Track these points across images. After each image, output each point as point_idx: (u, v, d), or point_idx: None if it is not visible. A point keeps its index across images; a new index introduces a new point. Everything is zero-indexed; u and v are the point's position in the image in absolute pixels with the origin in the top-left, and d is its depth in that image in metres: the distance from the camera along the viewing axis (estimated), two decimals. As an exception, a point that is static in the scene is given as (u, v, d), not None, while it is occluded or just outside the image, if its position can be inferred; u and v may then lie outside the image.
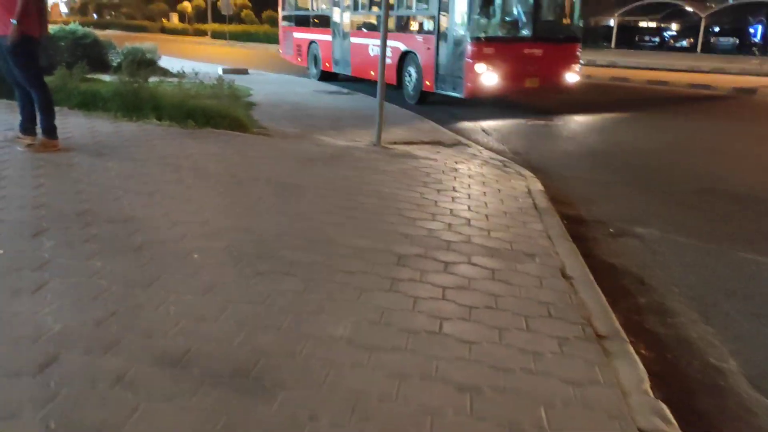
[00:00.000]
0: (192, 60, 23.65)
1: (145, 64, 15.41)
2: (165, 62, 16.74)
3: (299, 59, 18.33)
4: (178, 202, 4.39)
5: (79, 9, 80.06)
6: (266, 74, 18.45)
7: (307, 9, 17.76)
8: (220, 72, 17.62)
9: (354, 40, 15.14)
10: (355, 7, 15.22)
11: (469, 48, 10.93)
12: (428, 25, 12.12)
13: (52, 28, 14.26)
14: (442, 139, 8.26)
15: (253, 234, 3.88)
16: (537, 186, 5.84)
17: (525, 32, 11.54)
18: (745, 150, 8.60)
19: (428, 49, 11.96)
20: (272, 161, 5.93)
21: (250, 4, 57.82)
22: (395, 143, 7.60)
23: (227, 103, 8.09)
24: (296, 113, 10.05)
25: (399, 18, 13.09)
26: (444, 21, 11.63)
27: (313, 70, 17.49)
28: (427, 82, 12.07)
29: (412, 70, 12.66)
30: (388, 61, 11.54)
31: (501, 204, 5.08)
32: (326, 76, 16.77)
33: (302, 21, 18.17)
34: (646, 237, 4.79)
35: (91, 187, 4.64)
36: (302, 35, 17.98)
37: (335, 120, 9.51)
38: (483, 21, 11.14)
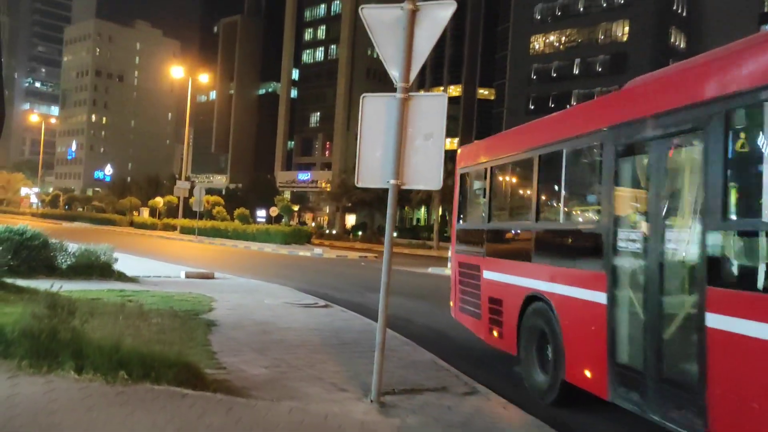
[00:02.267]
0: (156, 258, 22.37)
1: (99, 268, 13.99)
2: (124, 262, 15.33)
3: (495, 333, 8.18)
4: None
5: (50, 201, 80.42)
6: (233, 278, 17.05)
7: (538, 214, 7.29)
8: (183, 276, 16.18)
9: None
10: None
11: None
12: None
13: (-4, 227, 12.90)
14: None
15: None
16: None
17: None
18: None
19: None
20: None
21: (222, 202, 58.54)
22: (406, 391, 5.92)
23: (178, 340, 6.42)
24: (264, 338, 8.39)
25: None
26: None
27: (537, 375, 7.04)
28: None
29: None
30: None
31: None
32: (575, 397, 6.33)
33: (512, 245, 8.25)
34: None
35: None
36: (511, 279, 7.74)
37: (313, 350, 7.86)
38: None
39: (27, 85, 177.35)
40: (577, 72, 67.99)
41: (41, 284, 9.66)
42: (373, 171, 5.65)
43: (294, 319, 10.38)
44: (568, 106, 68.62)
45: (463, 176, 9.93)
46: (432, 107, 5.56)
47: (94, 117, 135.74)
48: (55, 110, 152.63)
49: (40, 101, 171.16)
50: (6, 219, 55.88)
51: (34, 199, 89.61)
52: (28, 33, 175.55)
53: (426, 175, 5.52)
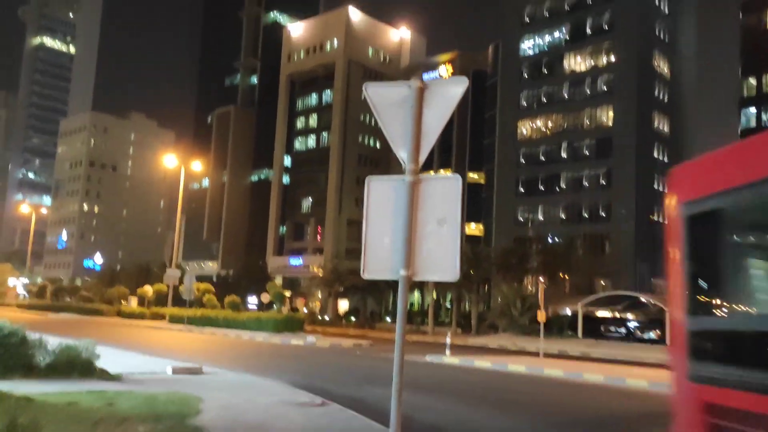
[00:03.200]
0: (142, 351, 21.36)
1: (80, 366, 13.15)
2: (107, 358, 14.43)
3: None
4: None
5: (37, 292, 78.88)
6: (223, 373, 16.11)
7: None
8: (169, 372, 15.26)
9: None
10: None
11: None
12: None
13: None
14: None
15: None
16: None
17: None
18: None
19: None
20: None
21: (213, 289, 57.47)
22: None
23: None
24: (258, 446, 7.58)
25: None
26: None
27: None
28: None
29: None
30: None
31: None
32: None
33: None
34: None
35: None
36: None
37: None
38: None
39: (21, 176, 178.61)
40: (565, 155, 69.08)
41: (16, 386, 8.88)
42: (381, 261, 5.12)
43: (290, 420, 9.54)
44: (557, 188, 69.44)
45: (694, 219, 4.89)
46: (444, 190, 5.09)
47: (86, 206, 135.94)
48: (47, 200, 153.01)
49: (33, 192, 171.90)
50: (-11, 311, 54.48)
51: (21, 290, 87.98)
52: (23, 125, 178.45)
53: (440, 265, 4.98)
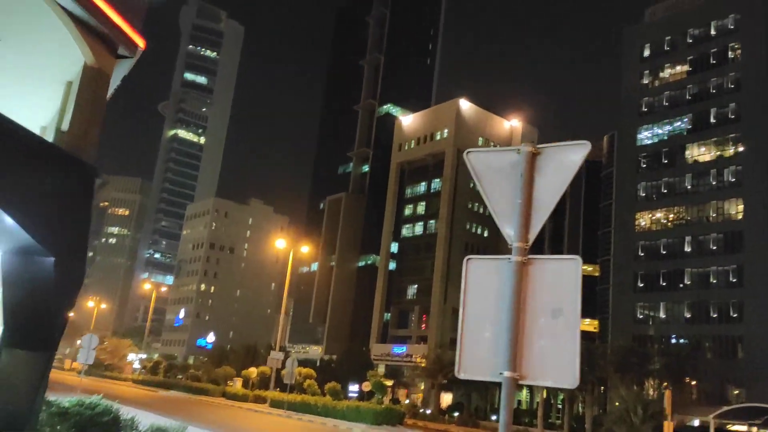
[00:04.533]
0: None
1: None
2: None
3: None
4: None
5: (151, 368, 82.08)
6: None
7: None
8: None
9: None
10: None
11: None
12: None
13: (69, 398, 12.16)
14: None
15: None
16: None
17: None
18: None
19: None
20: None
21: (314, 374, 57.11)
22: None
23: None
24: None
25: None
26: None
27: None
28: None
29: None
30: None
31: None
32: None
33: None
34: None
35: None
36: None
37: None
38: None
39: (148, 255, 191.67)
40: (688, 249, 64.60)
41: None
42: (479, 359, 4.21)
43: None
44: (681, 284, 64.49)
45: None
46: (561, 274, 4.17)
47: (203, 286, 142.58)
48: (169, 279, 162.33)
49: (158, 271, 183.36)
50: (105, 385, 56.90)
51: (136, 365, 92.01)
52: (155, 209, 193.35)
53: (555, 367, 4.00)
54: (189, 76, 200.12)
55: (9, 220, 8.06)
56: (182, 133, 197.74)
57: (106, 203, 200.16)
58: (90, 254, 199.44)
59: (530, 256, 4.23)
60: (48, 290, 8.77)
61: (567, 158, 4.26)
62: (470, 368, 4.24)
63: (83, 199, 9.23)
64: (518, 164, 4.34)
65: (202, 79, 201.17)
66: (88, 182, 9.37)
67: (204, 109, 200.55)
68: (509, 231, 4.34)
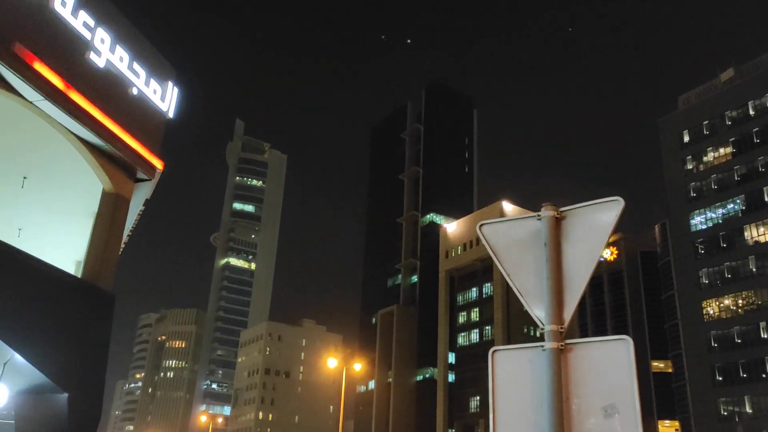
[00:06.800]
0: None
1: None
2: None
3: None
4: None
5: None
6: None
7: None
8: None
9: None
10: None
11: None
12: None
13: None
14: None
15: None
16: None
17: None
18: None
19: None
20: None
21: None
22: None
23: None
24: None
25: None
26: None
27: None
28: None
29: None
30: None
31: None
32: None
33: None
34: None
35: None
36: None
37: None
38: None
39: (205, 387, 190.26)
40: (765, 336, 60.31)
41: None
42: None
43: None
44: (764, 375, 59.57)
45: None
46: (610, 360, 3.36)
47: (261, 414, 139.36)
48: (227, 410, 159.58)
49: (215, 402, 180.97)
50: None
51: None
52: (210, 339, 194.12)
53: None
54: (237, 205, 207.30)
55: (20, 359, 7.64)
56: (233, 261, 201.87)
57: (163, 337, 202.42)
58: (149, 390, 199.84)
59: (568, 341, 3.47)
60: (62, 430, 8.17)
61: (597, 220, 3.58)
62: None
63: (100, 328, 8.82)
64: (541, 233, 3.68)
65: (249, 208, 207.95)
66: (107, 310, 8.99)
67: (253, 236, 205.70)
68: (539, 313, 3.62)
